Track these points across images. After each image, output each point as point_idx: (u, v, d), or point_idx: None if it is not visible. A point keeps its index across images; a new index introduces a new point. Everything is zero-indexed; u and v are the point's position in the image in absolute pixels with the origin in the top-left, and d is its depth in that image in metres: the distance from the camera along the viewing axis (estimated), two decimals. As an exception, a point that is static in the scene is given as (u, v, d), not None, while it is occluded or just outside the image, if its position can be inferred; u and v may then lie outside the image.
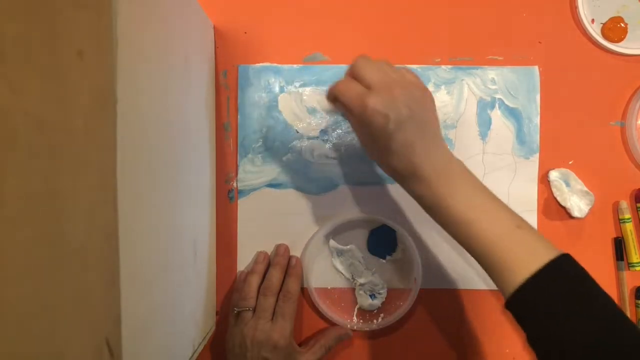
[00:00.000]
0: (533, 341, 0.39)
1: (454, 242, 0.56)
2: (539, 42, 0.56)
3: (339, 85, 0.42)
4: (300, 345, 0.55)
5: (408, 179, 0.42)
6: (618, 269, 0.56)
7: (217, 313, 0.57)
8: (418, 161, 0.40)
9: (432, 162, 0.41)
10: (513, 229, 0.39)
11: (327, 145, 0.56)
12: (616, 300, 0.56)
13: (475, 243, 0.40)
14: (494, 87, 0.56)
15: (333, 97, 0.43)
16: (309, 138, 0.56)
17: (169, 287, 0.39)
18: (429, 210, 0.42)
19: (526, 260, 0.38)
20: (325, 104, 0.45)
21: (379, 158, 0.43)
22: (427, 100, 0.42)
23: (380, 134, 0.40)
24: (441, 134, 0.43)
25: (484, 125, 0.56)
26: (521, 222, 0.40)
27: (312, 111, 0.56)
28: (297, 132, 0.56)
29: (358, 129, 0.43)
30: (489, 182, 0.56)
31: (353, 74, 0.42)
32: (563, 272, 0.38)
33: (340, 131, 0.56)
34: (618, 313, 0.37)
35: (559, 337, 0.37)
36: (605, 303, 0.38)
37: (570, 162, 0.56)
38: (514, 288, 0.38)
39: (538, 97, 0.56)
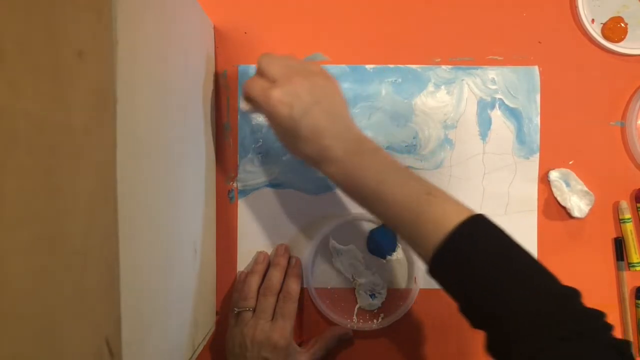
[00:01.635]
0: (460, 308, 0.39)
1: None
2: (539, 42, 0.56)
3: (246, 83, 0.44)
4: (300, 345, 0.55)
5: (320, 162, 0.43)
6: (618, 269, 0.56)
7: (217, 313, 0.57)
8: (327, 144, 0.41)
9: (342, 144, 0.42)
10: (423, 197, 0.40)
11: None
12: (616, 300, 0.56)
13: (390, 216, 0.41)
14: (494, 87, 0.56)
15: (245, 96, 0.45)
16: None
17: (169, 287, 0.39)
18: (344, 190, 0.43)
19: (437, 225, 0.38)
20: (244, 104, 0.47)
21: (291, 147, 0.44)
22: (331, 86, 0.44)
23: (288, 122, 0.41)
24: (350, 116, 0.44)
25: (484, 125, 0.56)
26: (432, 189, 0.40)
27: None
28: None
29: (270, 123, 0.45)
30: (489, 182, 0.56)
31: (258, 71, 0.44)
32: (476, 230, 0.38)
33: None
34: (535, 265, 0.37)
35: (478, 299, 0.37)
36: (521, 255, 0.37)
37: (570, 162, 0.56)
38: (430, 254, 0.38)
39: (538, 97, 0.56)
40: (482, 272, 0.37)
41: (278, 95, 0.41)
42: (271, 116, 0.43)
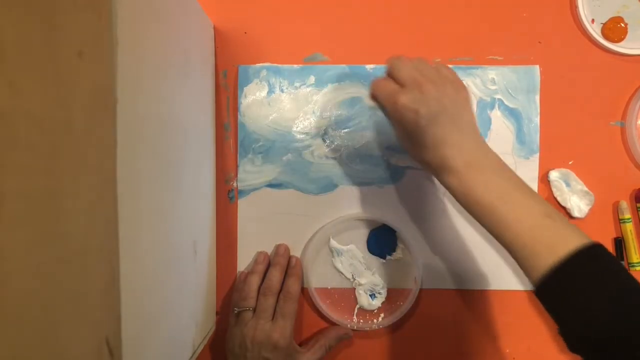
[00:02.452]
0: (562, 332, 0.39)
1: (454, 242, 0.56)
2: (539, 42, 0.56)
3: (374, 84, 0.44)
4: (300, 345, 0.55)
5: (440, 171, 0.42)
6: (618, 269, 0.56)
7: (217, 313, 0.57)
8: (449, 154, 0.41)
9: (464, 155, 0.41)
10: (541, 218, 0.39)
11: (327, 145, 0.56)
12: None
13: (504, 233, 0.40)
14: (493, 87, 0.56)
15: (372, 95, 0.45)
16: (308, 138, 0.56)
17: (169, 287, 0.39)
18: (460, 201, 0.43)
19: (554, 248, 0.38)
20: (369, 100, 0.47)
21: (412, 151, 0.45)
22: (461, 95, 0.43)
23: (413, 128, 0.41)
24: (476, 128, 0.44)
25: (484, 125, 0.56)
26: (551, 212, 0.40)
27: (312, 111, 0.56)
28: (297, 132, 0.56)
29: (394, 125, 0.45)
30: (489, 182, 0.56)
31: (388, 73, 0.44)
32: (592, 258, 0.38)
33: (340, 131, 0.56)
34: None
35: (587, 325, 0.36)
36: (634, 285, 0.37)
37: (570, 162, 0.56)
38: (541, 275, 0.38)
39: (538, 97, 0.56)
40: (598, 299, 0.36)
41: (405, 101, 0.41)
42: (396, 120, 0.43)
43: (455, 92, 0.43)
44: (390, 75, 0.44)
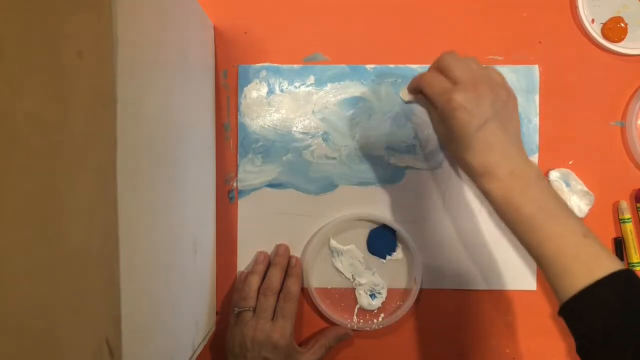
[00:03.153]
0: (583, 350, 0.39)
1: (454, 242, 0.56)
2: (539, 42, 0.56)
3: (426, 77, 0.43)
4: (300, 345, 0.55)
5: (482, 176, 0.42)
6: (618, 269, 0.56)
7: (217, 313, 0.57)
8: (495, 160, 0.41)
9: (508, 162, 0.41)
10: (580, 238, 0.39)
11: (327, 145, 0.56)
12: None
13: (540, 246, 0.40)
14: (494, 87, 0.56)
15: (415, 88, 0.44)
16: (308, 138, 0.56)
17: (169, 287, 0.39)
18: (498, 209, 0.42)
19: (588, 269, 0.38)
20: (406, 93, 0.46)
21: (455, 152, 0.44)
22: (511, 101, 0.43)
23: (462, 130, 0.41)
24: (521, 137, 0.44)
25: (484, 125, 0.56)
26: (588, 232, 0.40)
27: (312, 111, 0.56)
28: (297, 132, 0.56)
29: (438, 122, 0.44)
30: (489, 182, 0.56)
31: (439, 68, 0.43)
32: (623, 284, 0.38)
33: (340, 131, 0.56)
34: None
35: (609, 348, 0.37)
36: None
37: (570, 162, 0.56)
38: (571, 294, 0.38)
39: (537, 97, 0.56)
40: (619, 325, 0.37)
41: (461, 100, 0.40)
42: (445, 117, 0.41)
43: (507, 96, 0.43)
44: (442, 70, 0.42)
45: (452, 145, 0.43)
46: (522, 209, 0.40)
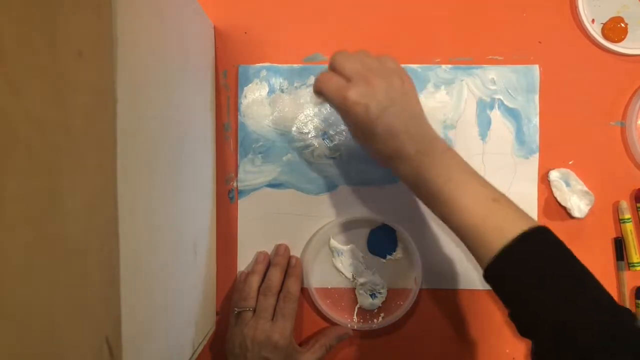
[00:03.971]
0: (513, 313, 0.39)
1: (455, 242, 0.56)
2: (539, 42, 0.56)
3: (320, 78, 0.44)
4: (300, 345, 0.55)
5: (392, 160, 0.43)
6: (618, 269, 0.56)
7: (217, 313, 0.57)
8: (400, 143, 0.42)
9: (414, 143, 0.42)
10: (490, 202, 0.40)
11: (327, 145, 0.56)
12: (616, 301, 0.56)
13: (453, 216, 0.41)
14: (493, 87, 0.56)
15: (317, 90, 0.45)
16: (309, 138, 0.56)
17: (169, 287, 0.39)
18: (411, 187, 0.44)
19: (501, 232, 0.39)
20: (313, 97, 0.47)
21: (364, 143, 0.45)
22: (407, 86, 0.44)
23: (363, 122, 0.42)
24: (424, 114, 0.44)
25: (484, 125, 0.56)
26: (499, 196, 0.41)
27: (312, 111, 0.56)
28: (297, 132, 0.56)
29: (343, 118, 0.45)
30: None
31: (332, 68, 0.44)
32: (538, 241, 0.39)
33: (340, 131, 0.56)
34: (594, 280, 0.37)
35: (535, 306, 0.37)
36: (580, 269, 0.38)
37: (570, 162, 0.56)
38: (490, 258, 0.39)
39: (537, 97, 0.56)
40: (540, 282, 0.37)
41: (354, 96, 0.41)
42: (345, 114, 0.43)
43: (402, 83, 0.43)
44: (335, 69, 0.43)
45: (361, 138, 0.44)
46: (431, 184, 0.41)
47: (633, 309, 0.56)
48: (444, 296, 0.57)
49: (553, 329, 0.36)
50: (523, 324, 0.39)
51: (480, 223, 0.40)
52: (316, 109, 0.56)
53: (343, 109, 0.42)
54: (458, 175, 0.42)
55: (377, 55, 0.45)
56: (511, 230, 0.38)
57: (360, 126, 0.42)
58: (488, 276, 0.40)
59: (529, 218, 0.40)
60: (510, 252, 0.38)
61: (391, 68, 0.44)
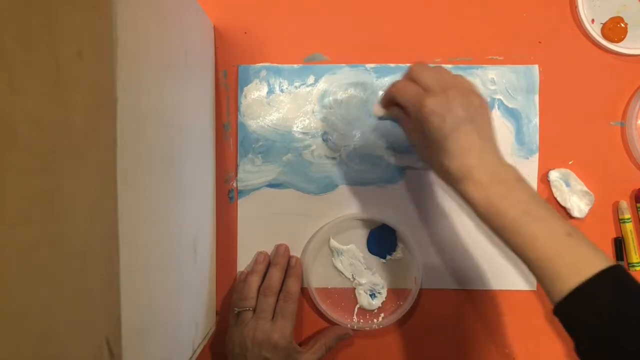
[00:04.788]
0: (581, 350, 0.39)
1: (454, 242, 0.56)
2: (539, 42, 0.56)
3: (398, 85, 0.44)
4: (300, 345, 0.55)
5: (460, 181, 0.41)
6: (618, 269, 0.56)
7: (217, 313, 0.57)
8: (472, 163, 0.41)
9: (487, 166, 0.41)
10: (564, 237, 0.39)
11: (327, 145, 0.56)
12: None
13: (526, 249, 0.40)
14: (493, 87, 0.56)
15: (388, 100, 0.45)
16: (308, 138, 0.56)
17: (169, 287, 0.39)
18: (480, 214, 0.42)
19: (577, 268, 0.38)
20: (378, 108, 0.48)
21: (431, 158, 0.44)
22: (484, 106, 0.43)
23: (436, 134, 0.41)
24: (496, 141, 0.43)
25: (484, 125, 0.56)
26: (572, 231, 0.40)
27: (312, 111, 0.56)
28: (297, 132, 0.56)
29: (412, 130, 0.45)
30: (489, 182, 0.56)
31: (411, 77, 0.44)
32: (614, 281, 0.38)
33: (340, 131, 0.56)
34: None
35: (608, 345, 0.36)
36: None
37: (570, 162, 0.56)
38: (563, 294, 0.38)
39: (537, 97, 0.56)
40: (614, 321, 0.36)
41: (433, 104, 0.41)
42: (418, 123, 0.42)
43: (480, 102, 0.43)
44: (413, 79, 0.43)
45: (429, 152, 0.43)
46: (505, 213, 0.40)
47: (633, 309, 0.56)
48: (444, 296, 0.57)
49: None
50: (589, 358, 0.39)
51: (556, 259, 0.39)
52: (316, 110, 0.56)
53: (418, 117, 0.41)
54: (532, 207, 0.40)
55: (455, 74, 0.44)
56: (587, 268, 0.37)
57: (432, 138, 0.41)
58: (558, 311, 0.39)
59: (604, 256, 0.39)
60: (585, 292, 0.37)
61: (469, 87, 0.43)
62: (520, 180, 0.42)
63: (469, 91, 0.43)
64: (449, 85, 0.42)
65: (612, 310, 0.37)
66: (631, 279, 0.38)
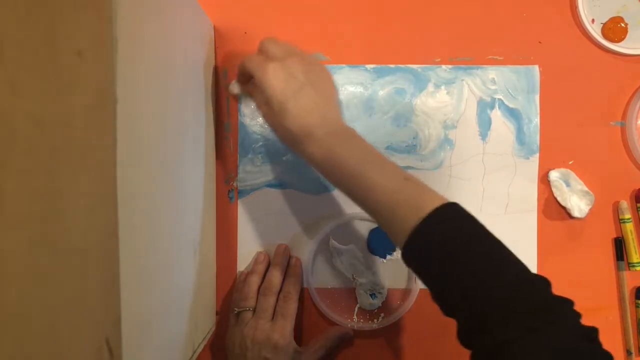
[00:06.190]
0: (434, 295, 0.39)
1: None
2: (539, 42, 0.56)
3: (247, 56, 0.47)
4: (300, 345, 0.55)
5: (302, 141, 0.43)
6: (618, 269, 0.56)
7: (217, 313, 0.57)
8: (313, 122, 0.43)
9: (327, 125, 0.43)
10: (401, 181, 0.41)
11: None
12: (616, 300, 0.56)
13: (366, 196, 0.41)
14: (493, 87, 0.56)
15: (241, 75, 0.48)
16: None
17: (169, 287, 0.39)
18: (322, 168, 0.44)
19: (415, 209, 0.39)
20: (235, 86, 0.50)
21: (276, 123, 0.45)
22: (324, 73, 0.47)
23: (279, 96, 0.43)
24: (339, 105, 0.47)
25: (484, 125, 0.56)
26: (408, 176, 0.42)
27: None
28: (297, 132, 0.56)
29: (260, 101, 0.46)
30: (489, 182, 0.56)
31: (259, 49, 0.46)
32: (450, 216, 0.39)
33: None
34: (507, 254, 0.37)
35: (452, 284, 0.37)
36: (494, 243, 0.38)
37: (570, 162, 0.56)
38: (406, 238, 0.39)
39: (537, 97, 0.56)
40: (455, 258, 0.37)
41: (275, 68, 0.43)
42: (264, 88, 0.43)
43: (321, 70, 0.46)
44: (262, 51, 0.46)
45: (273, 117, 0.45)
46: (343, 164, 0.42)
47: (633, 309, 0.56)
48: (444, 296, 0.57)
49: (469, 306, 0.36)
50: (442, 304, 0.39)
51: (394, 201, 0.40)
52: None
53: (262, 82, 0.43)
54: (369, 157, 0.42)
55: (302, 51, 0.47)
56: (424, 207, 0.38)
57: (275, 102, 0.43)
58: (404, 257, 0.40)
59: (440, 196, 0.40)
60: (423, 230, 0.38)
61: (312, 60, 0.46)
62: (356, 136, 0.44)
63: (309, 61, 0.45)
64: (292, 54, 0.44)
65: (446, 247, 0.37)
66: (465, 214, 0.39)
